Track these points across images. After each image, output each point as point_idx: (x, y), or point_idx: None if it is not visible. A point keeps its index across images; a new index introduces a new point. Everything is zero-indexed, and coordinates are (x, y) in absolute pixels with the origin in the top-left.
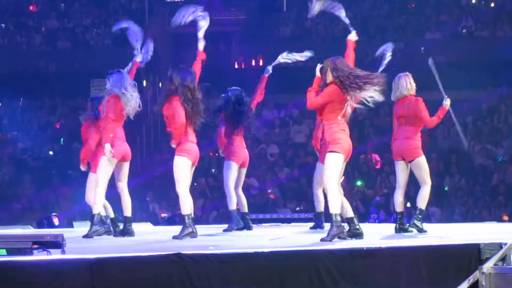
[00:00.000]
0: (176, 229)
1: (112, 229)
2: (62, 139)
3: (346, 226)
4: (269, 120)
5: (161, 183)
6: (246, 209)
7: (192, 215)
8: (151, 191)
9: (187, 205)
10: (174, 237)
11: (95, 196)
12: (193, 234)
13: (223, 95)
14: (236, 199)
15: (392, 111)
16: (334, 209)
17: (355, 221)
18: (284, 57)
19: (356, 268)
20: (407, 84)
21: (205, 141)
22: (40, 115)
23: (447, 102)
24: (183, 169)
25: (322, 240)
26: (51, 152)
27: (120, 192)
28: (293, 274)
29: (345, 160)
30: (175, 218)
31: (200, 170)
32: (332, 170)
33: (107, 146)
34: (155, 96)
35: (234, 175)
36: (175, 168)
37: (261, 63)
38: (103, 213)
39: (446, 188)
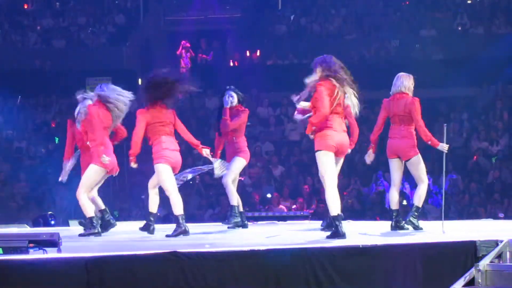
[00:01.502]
0: (172, 227)
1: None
2: (57, 138)
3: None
4: (264, 118)
5: None
6: (241, 207)
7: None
8: (147, 190)
9: (181, 205)
10: (168, 236)
11: (82, 201)
12: (186, 233)
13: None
14: (236, 194)
15: (382, 106)
16: (335, 210)
17: None
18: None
19: (351, 265)
20: (404, 82)
21: (201, 140)
22: (35, 113)
23: (443, 147)
24: None
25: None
26: (43, 150)
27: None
28: (289, 272)
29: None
30: (171, 216)
31: None
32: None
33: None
34: None
35: (239, 172)
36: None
37: (257, 61)
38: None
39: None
